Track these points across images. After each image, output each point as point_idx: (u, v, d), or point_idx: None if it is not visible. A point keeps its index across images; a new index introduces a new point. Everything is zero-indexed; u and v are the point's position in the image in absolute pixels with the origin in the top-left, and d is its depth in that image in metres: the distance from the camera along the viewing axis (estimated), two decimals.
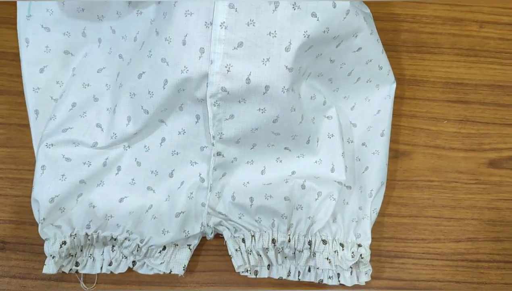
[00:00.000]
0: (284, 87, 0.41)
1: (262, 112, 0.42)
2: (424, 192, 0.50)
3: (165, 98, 0.42)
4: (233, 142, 0.45)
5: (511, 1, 0.55)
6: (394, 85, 0.49)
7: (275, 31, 0.39)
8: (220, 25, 0.39)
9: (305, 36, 0.40)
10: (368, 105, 0.49)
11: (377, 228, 0.49)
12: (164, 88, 0.42)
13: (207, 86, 0.41)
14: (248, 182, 0.46)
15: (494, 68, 0.54)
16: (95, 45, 0.47)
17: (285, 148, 0.47)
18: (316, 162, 0.47)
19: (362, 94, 0.49)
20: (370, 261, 0.46)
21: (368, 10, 0.48)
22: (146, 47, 0.42)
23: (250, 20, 0.39)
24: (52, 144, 0.44)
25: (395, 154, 0.51)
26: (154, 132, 0.46)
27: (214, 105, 0.42)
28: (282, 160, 0.47)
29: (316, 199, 0.45)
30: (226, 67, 0.40)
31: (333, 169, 0.46)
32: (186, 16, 0.40)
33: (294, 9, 0.39)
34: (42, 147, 0.44)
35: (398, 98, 0.52)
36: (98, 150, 0.45)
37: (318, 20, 0.40)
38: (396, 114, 0.51)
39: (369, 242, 0.46)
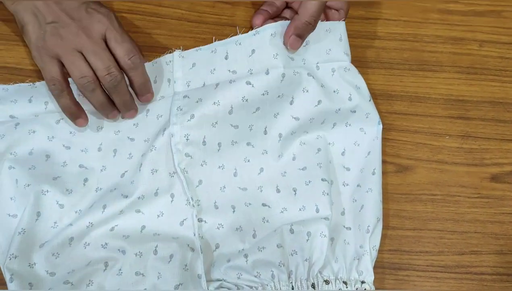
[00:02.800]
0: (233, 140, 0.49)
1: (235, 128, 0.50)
2: (427, 206, 0.51)
3: (141, 180, 0.47)
4: (200, 143, 0.49)
5: (509, 22, 0.57)
6: (381, 127, 0.50)
7: (218, 101, 0.49)
8: (177, 109, 0.49)
9: (243, 101, 0.50)
10: (358, 149, 0.50)
11: (382, 240, 0.49)
12: (139, 170, 0.47)
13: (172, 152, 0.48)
14: (224, 187, 0.48)
15: (494, 85, 0.55)
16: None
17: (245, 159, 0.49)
18: (300, 209, 0.48)
19: (349, 139, 0.50)
20: (374, 273, 0.47)
21: (359, 81, 0.51)
22: (125, 152, 0.49)
23: (199, 99, 0.49)
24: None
25: (398, 168, 0.52)
26: (132, 222, 0.46)
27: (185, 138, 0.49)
28: (250, 159, 0.49)
29: (307, 240, 0.46)
30: (185, 137, 0.48)
31: (317, 209, 0.47)
32: (158, 119, 0.50)
33: (230, 82, 0.50)
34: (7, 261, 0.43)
35: (401, 114, 0.53)
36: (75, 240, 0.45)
37: (253, 86, 0.49)
38: (399, 129, 0.53)
39: (372, 278, 0.46)
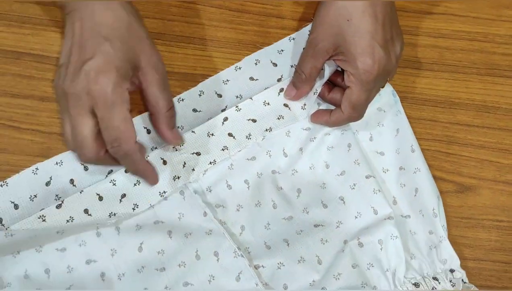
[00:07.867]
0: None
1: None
2: (491, 233, 0.46)
3: (173, 247, 0.41)
4: (226, 189, 0.44)
5: None
6: (398, 99, 0.47)
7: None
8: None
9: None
10: (384, 130, 0.46)
11: None
12: (170, 237, 0.41)
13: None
14: (268, 224, 0.43)
15: None
16: None
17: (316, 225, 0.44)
18: (356, 217, 0.44)
19: (371, 122, 0.46)
20: None
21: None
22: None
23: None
24: None
25: (459, 188, 0.46)
26: None
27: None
28: (282, 186, 0.45)
29: (381, 249, 0.42)
30: (207, 189, 0.43)
31: (375, 211, 0.43)
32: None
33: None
34: None
35: (465, 126, 0.47)
36: None
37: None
38: (462, 143, 0.47)
39: (459, 262, 0.43)
